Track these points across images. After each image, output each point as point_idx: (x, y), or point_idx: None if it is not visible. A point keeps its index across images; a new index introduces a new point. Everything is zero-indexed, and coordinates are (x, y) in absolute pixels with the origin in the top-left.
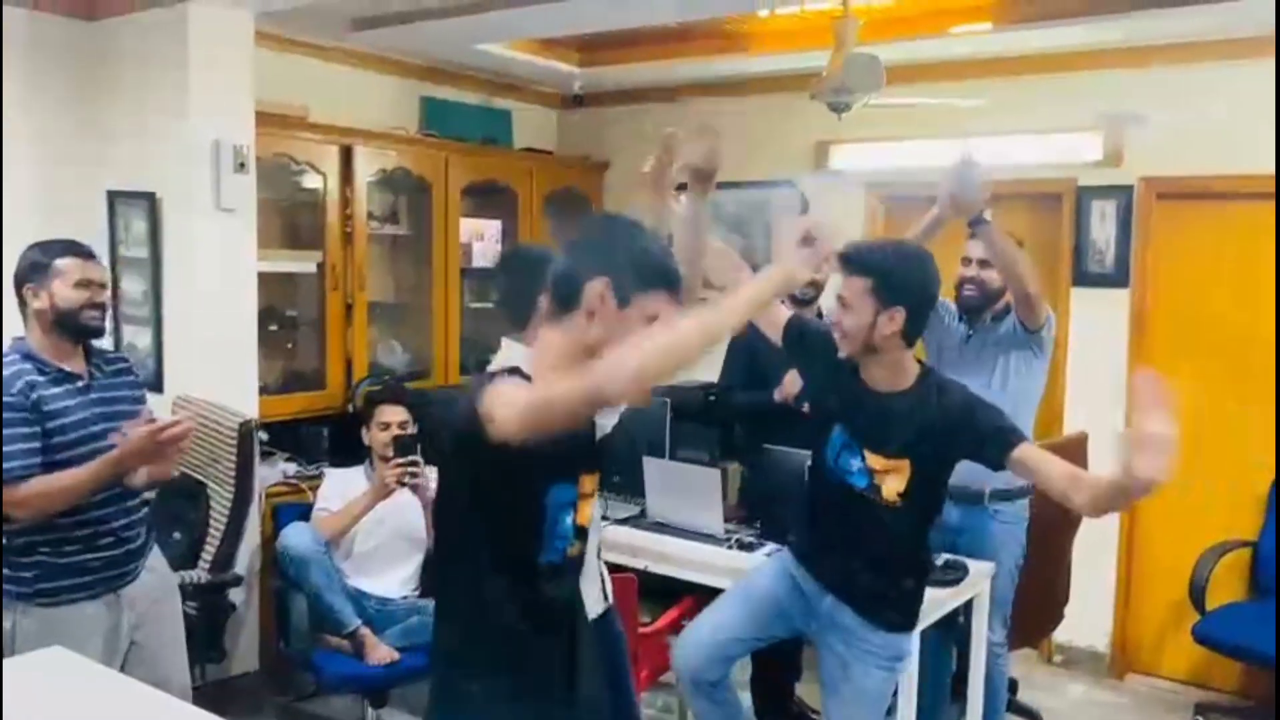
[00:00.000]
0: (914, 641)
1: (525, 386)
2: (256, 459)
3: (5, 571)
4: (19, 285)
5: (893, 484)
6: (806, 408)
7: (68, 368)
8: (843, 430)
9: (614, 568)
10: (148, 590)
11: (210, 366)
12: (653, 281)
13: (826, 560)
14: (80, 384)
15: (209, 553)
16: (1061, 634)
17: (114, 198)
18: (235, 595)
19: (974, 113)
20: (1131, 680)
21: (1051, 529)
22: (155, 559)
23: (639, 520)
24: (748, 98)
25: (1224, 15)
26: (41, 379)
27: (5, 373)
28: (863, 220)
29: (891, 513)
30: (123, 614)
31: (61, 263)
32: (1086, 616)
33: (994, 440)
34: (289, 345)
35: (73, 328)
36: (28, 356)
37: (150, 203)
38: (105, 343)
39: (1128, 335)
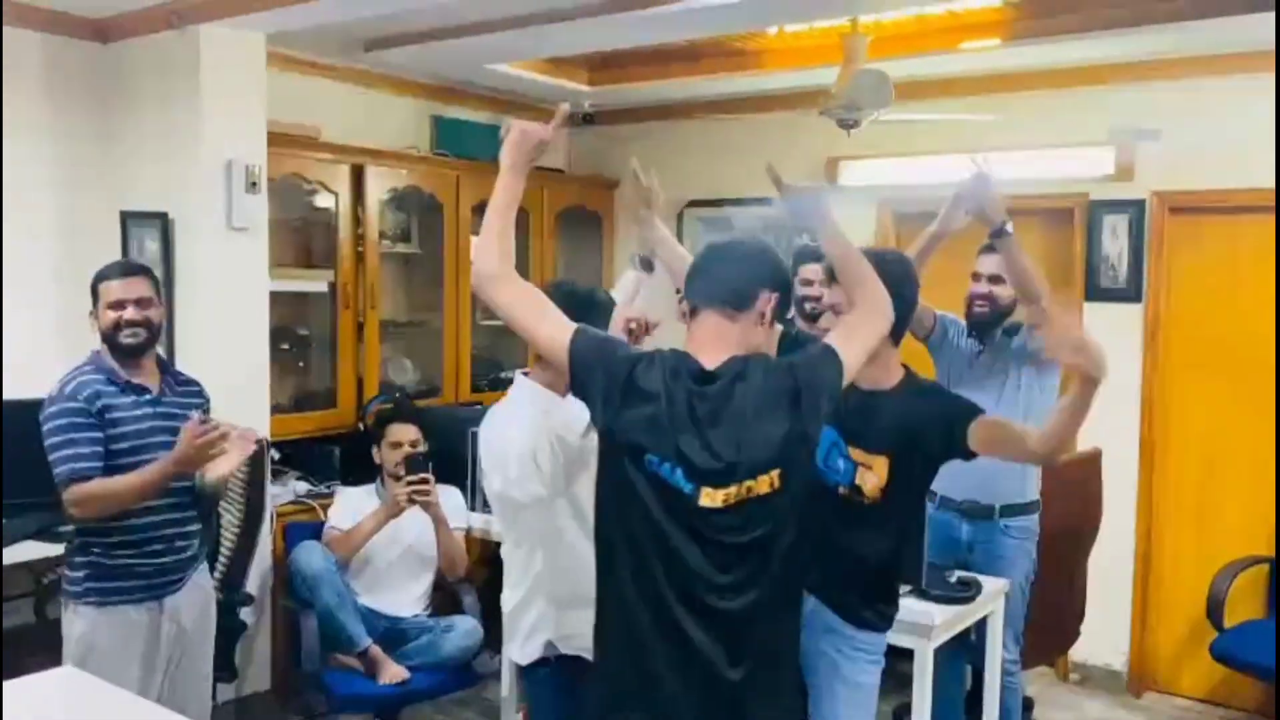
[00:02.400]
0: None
1: None
2: (268, 477)
3: (63, 572)
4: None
5: (873, 480)
6: None
7: (137, 380)
8: (831, 430)
9: None
10: (191, 603)
11: (222, 385)
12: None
13: (821, 580)
14: (149, 396)
15: (220, 571)
16: (1078, 652)
17: (127, 218)
18: (246, 614)
19: (984, 128)
20: (1149, 699)
21: (1066, 545)
22: (202, 575)
23: None
24: (757, 115)
25: (1234, 30)
26: (110, 389)
27: (76, 381)
28: (874, 235)
29: (873, 510)
30: (164, 622)
31: (102, 286)
32: (1103, 634)
33: (957, 417)
34: (301, 364)
35: (115, 346)
36: (100, 368)
37: (163, 223)
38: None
39: (1141, 350)
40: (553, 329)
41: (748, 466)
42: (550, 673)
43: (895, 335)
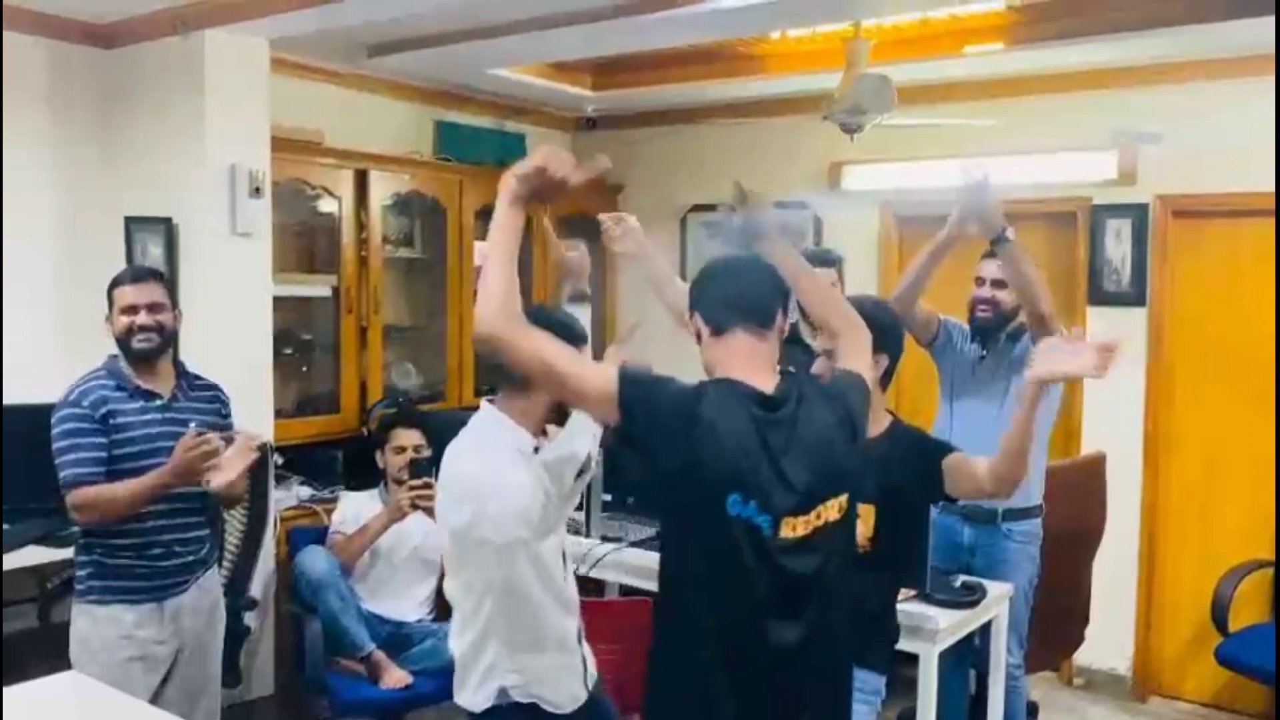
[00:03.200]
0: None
1: None
2: (271, 482)
3: (74, 572)
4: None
5: (862, 529)
6: None
7: (147, 386)
8: None
9: (631, 591)
10: (196, 607)
11: (226, 390)
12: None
13: None
14: (159, 402)
15: (224, 576)
16: (1082, 656)
17: (131, 223)
18: (250, 619)
19: (987, 132)
20: (1154, 703)
21: (1070, 549)
22: (209, 580)
23: (655, 542)
24: (760, 119)
25: (1236, 34)
26: (118, 394)
27: (84, 386)
28: (877, 240)
29: (864, 559)
30: (164, 624)
31: (116, 291)
32: (1107, 638)
33: (933, 464)
34: (304, 369)
35: (127, 351)
36: (112, 374)
37: (167, 228)
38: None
39: (1145, 354)
40: (593, 374)
41: (820, 494)
42: None
43: (884, 382)
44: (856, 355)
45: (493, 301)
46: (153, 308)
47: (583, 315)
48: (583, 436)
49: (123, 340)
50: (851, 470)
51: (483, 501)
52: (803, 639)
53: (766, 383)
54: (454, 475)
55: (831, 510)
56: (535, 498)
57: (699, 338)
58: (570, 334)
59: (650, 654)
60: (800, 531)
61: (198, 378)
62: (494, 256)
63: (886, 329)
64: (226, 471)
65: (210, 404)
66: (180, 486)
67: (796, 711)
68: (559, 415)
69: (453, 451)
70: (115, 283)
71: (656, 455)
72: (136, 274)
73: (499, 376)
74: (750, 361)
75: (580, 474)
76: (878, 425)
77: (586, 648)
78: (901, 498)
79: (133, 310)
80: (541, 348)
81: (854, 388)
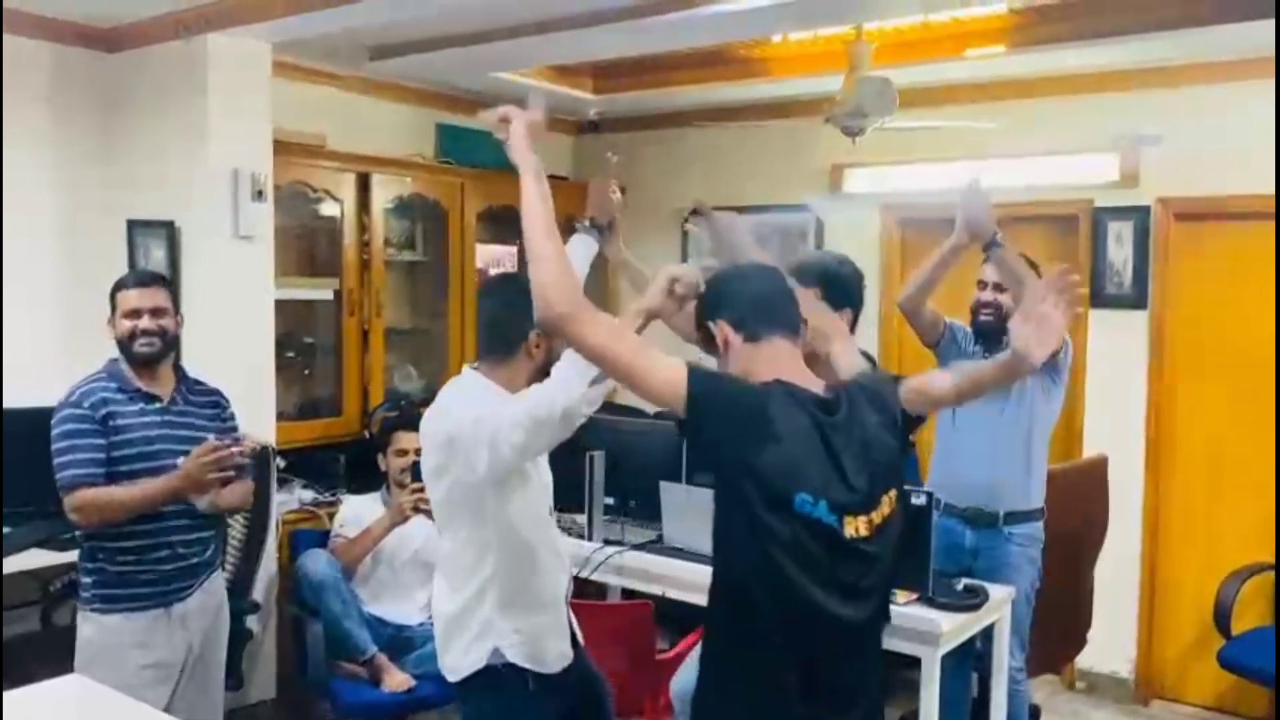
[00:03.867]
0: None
1: None
2: (274, 485)
3: (78, 577)
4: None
5: None
6: None
7: (148, 389)
8: None
9: (632, 594)
10: (203, 610)
11: (228, 393)
12: None
13: None
14: (158, 405)
15: (226, 580)
16: (1084, 660)
17: (133, 226)
18: (252, 622)
19: (988, 135)
20: (1157, 707)
21: (1072, 552)
22: (214, 583)
23: (656, 546)
24: (762, 122)
25: (1238, 36)
26: (118, 396)
27: (84, 388)
28: (879, 241)
29: None
30: (173, 629)
31: (119, 295)
32: (1110, 642)
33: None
34: (306, 371)
35: (129, 354)
36: (113, 376)
37: (169, 231)
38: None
39: (1146, 356)
40: (662, 366)
41: (877, 491)
42: (490, 684)
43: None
44: (851, 355)
45: (557, 282)
46: (155, 312)
47: (591, 246)
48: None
49: (125, 343)
50: (898, 466)
51: (468, 437)
52: (861, 630)
53: (815, 386)
54: (435, 429)
55: (885, 506)
56: (517, 418)
57: (724, 345)
58: None
59: (708, 654)
60: (862, 530)
61: (198, 382)
62: (539, 233)
63: (850, 283)
64: (229, 492)
65: (211, 408)
66: (192, 490)
67: (854, 700)
68: (541, 380)
69: (431, 412)
70: (119, 286)
71: (724, 453)
72: (140, 278)
73: (491, 345)
74: (795, 366)
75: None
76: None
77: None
78: None
79: (136, 314)
80: (610, 334)
81: (889, 386)
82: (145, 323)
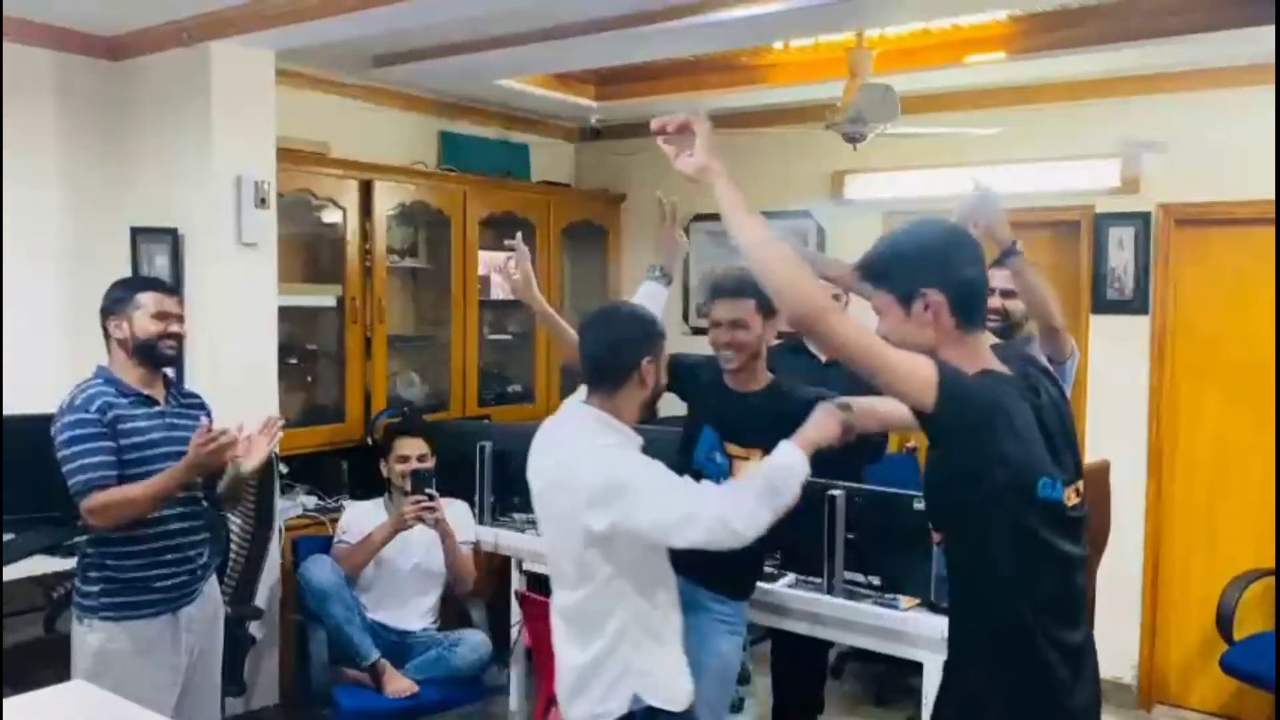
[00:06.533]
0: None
1: None
2: (277, 491)
3: (75, 585)
4: (104, 317)
5: (746, 469)
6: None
7: (146, 392)
8: (710, 430)
9: None
10: (204, 614)
11: (231, 399)
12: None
13: (683, 551)
14: (156, 408)
15: (229, 585)
16: None
17: (137, 234)
18: (255, 628)
19: (990, 141)
20: (1159, 712)
21: None
22: (212, 586)
23: None
24: (764, 129)
25: (1237, 42)
26: (120, 400)
27: (86, 393)
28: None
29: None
30: (181, 633)
31: (143, 296)
32: (1113, 647)
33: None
34: (309, 378)
35: (151, 356)
36: (110, 381)
37: (173, 238)
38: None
39: (1148, 362)
40: (913, 361)
41: (1079, 460)
42: None
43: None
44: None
45: (801, 281)
46: (181, 319)
47: (660, 294)
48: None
49: (149, 343)
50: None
51: (635, 494)
52: (1084, 591)
53: (1005, 369)
54: (588, 482)
55: (1081, 472)
56: (706, 519)
57: (933, 318)
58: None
59: (964, 635)
60: (1074, 499)
61: (181, 387)
62: (761, 236)
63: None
64: (255, 453)
65: (197, 410)
66: (199, 476)
67: (1089, 660)
68: (649, 413)
69: (568, 458)
70: (145, 286)
71: (969, 448)
72: (169, 284)
73: (601, 376)
74: (990, 353)
75: None
76: (757, 384)
77: None
78: (780, 438)
79: (165, 317)
80: (862, 331)
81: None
82: (176, 327)
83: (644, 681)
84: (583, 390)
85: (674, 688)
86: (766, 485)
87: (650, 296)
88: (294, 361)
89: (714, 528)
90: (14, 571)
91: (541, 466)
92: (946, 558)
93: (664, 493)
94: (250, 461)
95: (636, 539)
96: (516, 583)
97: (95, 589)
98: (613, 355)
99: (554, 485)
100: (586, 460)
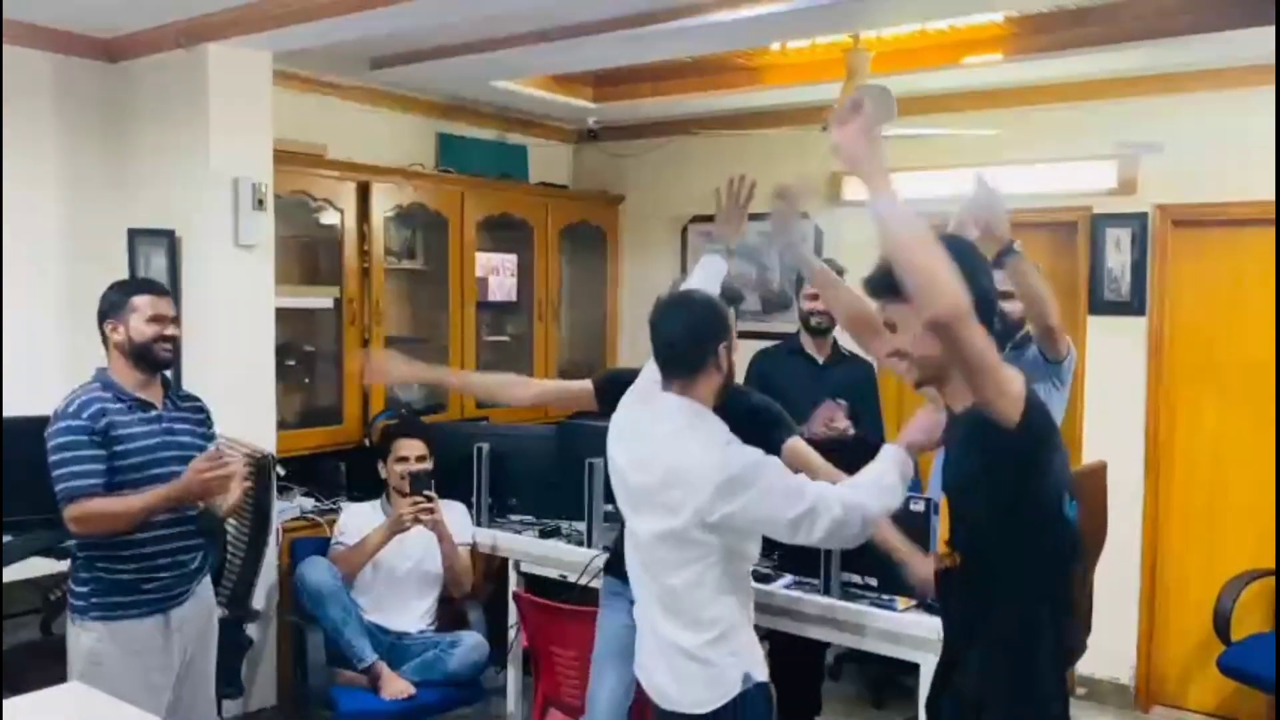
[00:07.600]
0: None
1: None
2: (274, 493)
3: (68, 587)
4: (101, 320)
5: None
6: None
7: (143, 396)
8: None
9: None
10: (196, 616)
11: (229, 401)
12: None
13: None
14: (153, 413)
15: (226, 587)
16: (1085, 666)
17: (134, 235)
18: (252, 630)
19: (987, 142)
20: (1157, 713)
21: None
22: (205, 588)
23: None
24: (761, 130)
25: (1235, 43)
26: (116, 405)
27: (82, 399)
28: (877, 251)
29: None
30: (173, 634)
31: (137, 299)
32: (1110, 648)
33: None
34: (307, 380)
35: (146, 359)
36: (107, 385)
37: (170, 240)
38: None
39: (1145, 363)
40: (1011, 376)
41: None
42: (748, 706)
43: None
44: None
45: (953, 280)
46: (175, 321)
47: (721, 268)
48: None
49: (145, 346)
50: None
51: (759, 483)
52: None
53: None
54: (712, 476)
55: None
56: (833, 508)
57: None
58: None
59: (1006, 663)
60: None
61: (180, 390)
62: (921, 230)
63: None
64: (231, 495)
65: (196, 414)
66: (188, 501)
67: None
68: (724, 398)
69: (678, 449)
70: (140, 289)
71: (1040, 466)
72: (163, 287)
73: (680, 363)
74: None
75: None
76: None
77: None
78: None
79: (160, 320)
80: (987, 340)
81: None
82: (170, 330)
83: (751, 659)
84: (649, 373)
85: (761, 659)
86: (880, 487)
87: (711, 269)
88: (292, 363)
89: (833, 529)
90: (12, 574)
91: (641, 456)
92: (964, 575)
93: (787, 492)
94: (226, 504)
95: (750, 531)
96: (514, 584)
97: (86, 590)
98: (692, 341)
99: (666, 476)
100: (706, 454)
